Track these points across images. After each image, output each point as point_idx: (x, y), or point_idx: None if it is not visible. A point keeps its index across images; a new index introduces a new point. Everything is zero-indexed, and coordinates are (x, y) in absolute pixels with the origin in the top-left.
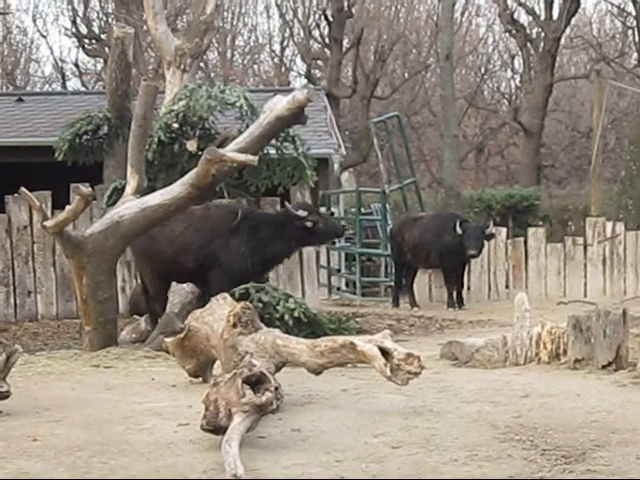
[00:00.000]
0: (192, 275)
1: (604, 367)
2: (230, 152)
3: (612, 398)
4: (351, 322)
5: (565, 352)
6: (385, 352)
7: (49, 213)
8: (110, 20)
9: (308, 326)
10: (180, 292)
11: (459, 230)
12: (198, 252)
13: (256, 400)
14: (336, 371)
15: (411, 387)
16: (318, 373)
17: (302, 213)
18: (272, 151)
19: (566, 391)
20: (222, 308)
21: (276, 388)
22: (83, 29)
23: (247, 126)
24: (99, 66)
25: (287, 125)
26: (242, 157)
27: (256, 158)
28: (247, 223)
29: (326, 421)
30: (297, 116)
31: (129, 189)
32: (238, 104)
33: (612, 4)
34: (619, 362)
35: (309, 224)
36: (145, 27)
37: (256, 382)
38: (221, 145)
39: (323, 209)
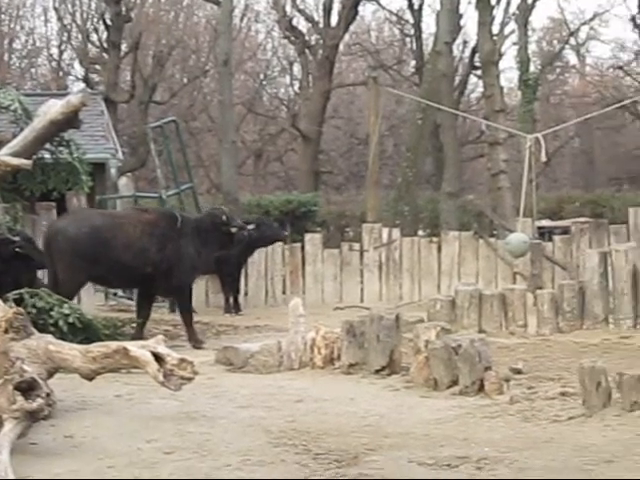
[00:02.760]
0: (144, 280)
1: (377, 371)
2: (3, 156)
3: (385, 402)
4: (127, 328)
5: (339, 357)
6: (158, 357)
7: None
8: None
9: (83, 332)
10: None
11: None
12: (155, 257)
13: (27, 406)
14: (110, 377)
15: (185, 392)
16: (91, 379)
17: (225, 219)
18: (47, 155)
19: (340, 396)
20: None
21: (48, 394)
22: None
23: (21, 130)
24: None
25: (61, 129)
26: (16, 161)
27: (30, 162)
28: (188, 227)
29: (99, 427)
30: (71, 120)
31: None
32: (12, 108)
33: (390, 12)
34: (392, 366)
35: (234, 230)
36: None
37: (27, 388)
38: None
39: None
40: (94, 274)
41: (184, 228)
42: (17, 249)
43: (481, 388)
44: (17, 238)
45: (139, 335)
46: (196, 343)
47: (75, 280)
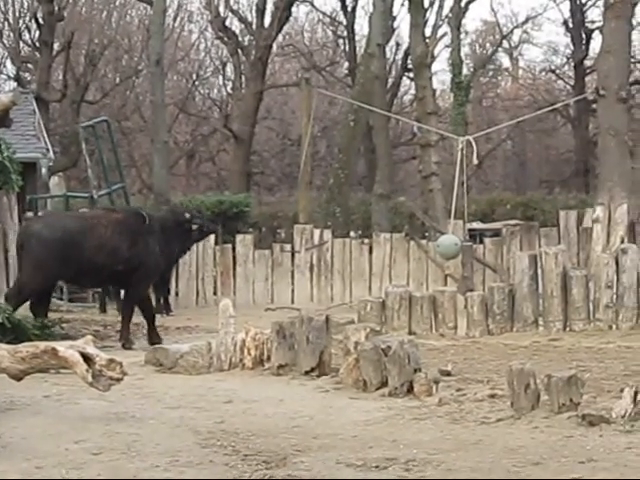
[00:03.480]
0: (116, 278)
1: (307, 373)
2: None
3: (314, 403)
4: (56, 328)
5: (269, 358)
6: (87, 358)
7: None
8: None
9: (12, 332)
10: None
11: None
12: (126, 255)
13: None
14: (39, 377)
15: (114, 393)
16: (20, 379)
17: (188, 217)
18: None
19: (269, 397)
20: None
21: None
22: None
23: None
24: None
25: None
26: None
27: None
28: (154, 225)
29: (27, 427)
30: (2, 119)
31: None
32: None
33: (324, 14)
34: (322, 368)
35: (195, 227)
36: None
37: None
38: None
39: (30, 214)
40: (64, 275)
41: (151, 226)
42: None
43: (410, 390)
44: None
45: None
46: (127, 343)
47: (36, 280)
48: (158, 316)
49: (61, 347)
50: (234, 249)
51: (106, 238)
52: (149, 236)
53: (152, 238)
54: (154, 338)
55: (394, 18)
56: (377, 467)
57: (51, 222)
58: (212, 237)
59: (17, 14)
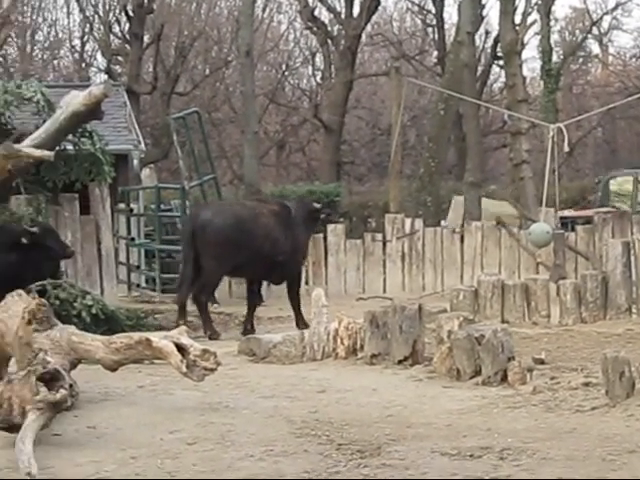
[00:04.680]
0: (273, 268)
1: (400, 362)
2: (26, 148)
3: (408, 393)
4: (149, 319)
5: (362, 347)
6: (181, 348)
7: None
8: None
9: (106, 323)
10: None
11: None
12: (284, 245)
13: (50, 397)
14: (133, 367)
15: (207, 383)
16: (114, 370)
17: (319, 206)
18: (69, 147)
19: (363, 386)
20: (17, 305)
21: (71, 385)
22: None
23: (44, 121)
24: None
25: (84, 120)
26: (38, 153)
27: (52, 154)
28: (298, 216)
29: (122, 418)
30: (93, 111)
31: None
32: (35, 99)
33: (412, 2)
34: (415, 357)
35: (323, 216)
36: None
37: (50, 379)
38: (17, 141)
39: (122, 205)
40: (236, 264)
41: (295, 217)
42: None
43: (504, 378)
44: (35, 229)
45: (250, 320)
46: (304, 326)
47: (220, 270)
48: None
49: (155, 338)
50: (325, 239)
51: (270, 228)
52: (296, 227)
53: (299, 229)
54: (249, 329)
55: (483, 6)
56: (471, 456)
57: (220, 210)
58: None
59: (107, 7)
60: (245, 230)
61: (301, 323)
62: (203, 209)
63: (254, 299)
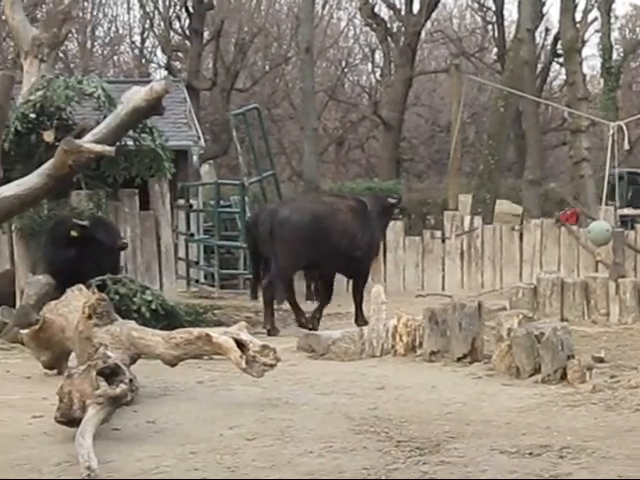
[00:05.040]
0: (349, 263)
1: (459, 359)
2: (87, 143)
3: (467, 390)
4: (208, 314)
5: (421, 344)
6: (241, 344)
7: None
8: None
9: (165, 318)
10: (36, 284)
11: None
12: (361, 240)
13: (110, 392)
14: (192, 363)
15: (267, 379)
16: (174, 365)
17: (394, 201)
18: (130, 142)
19: (422, 383)
20: (77, 300)
21: (131, 380)
22: None
23: (105, 117)
24: None
25: (144, 116)
26: (99, 148)
27: (113, 149)
28: (373, 212)
29: (181, 413)
30: (154, 107)
31: None
32: (96, 95)
33: None
34: (474, 354)
35: (397, 211)
36: (3, 16)
37: (110, 374)
38: (78, 136)
39: (182, 201)
40: (313, 260)
41: (371, 212)
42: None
43: (563, 376)
44: (85, 222)
45: (318, 316)
46: (363, 323)
47: (294, 266)
48: (309, 303)
49: (215, 333)
50: (384, 236)
51: (347, 224)
52: (372, 222)
53: (373, 225)
54: (361, 321)
55: (543, 3)
56: (531, 454)
57: (298, 207)
58: None
59: (167, 3)
60: (322, 227)
61: (360, 320)
62: (281, 206)
63: (328, 295)
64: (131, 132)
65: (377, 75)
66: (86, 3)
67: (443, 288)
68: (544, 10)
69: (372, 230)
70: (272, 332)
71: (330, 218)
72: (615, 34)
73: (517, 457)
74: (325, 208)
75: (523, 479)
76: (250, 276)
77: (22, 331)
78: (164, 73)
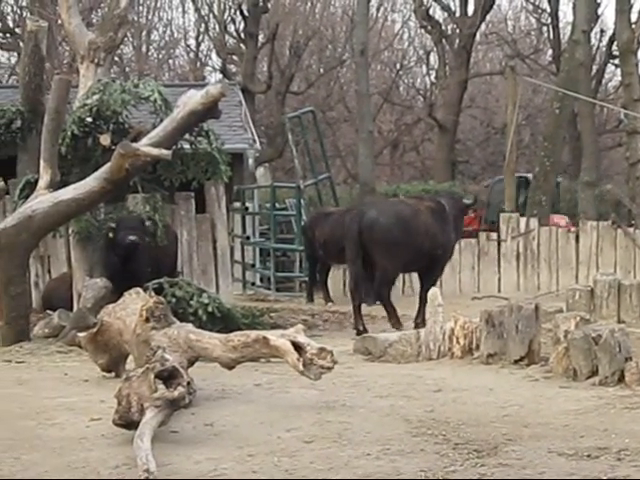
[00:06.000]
0: (430, 263)
1: (516, 362)
2: (144, 146)
3: (524, 392)
4: (265, 317)
5: (478, 347)
6: (298, 347)
7: None
8: (24, 14)
9: (221, 321)
10: (93, 287)
11: None
12: (441, 241)
13: (168, 395)
14: (249, 366)
15: (324, 382)
16: (231, 368)
17: (469, 202)
18: (186, 146)
19: (479, 385)
20: (135, 303)
21: (188, 383)
22: None
23: (161, 120)
24: (13, 60)
25: (201, 119)
26: (156, 151)
27: (170, 152)
28: (451, 212)
29: (239, 416)
30: (211, 110)
31: (42, 183)
32: (152, 98)
33: (527, 1)
34: (531, 357)
35: (470, 212)
36: (59, 21)
37: (168, 377)
38: (135, 139)
39: (237, 204)
40: (406, 260)
41: (449, 214)
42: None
43: (621, 379)
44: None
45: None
46: (422, 324)
47: (395, 266)
48: (364, 305)
49: (272, 336)
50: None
51: (429, 224)
52: (449, 223)
53: (450, 225)
54: (421, 321)
55: (598, 4)
56: (589, 456)
57: (385, 209)
58: None
59: (222, 6)
60: (408, 228)
61: (421, 320)
62: (368, 208)
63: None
64: (187, 135)
65: (432, 77)
66: (141, 7)
67: (499, 290)
68: (599, 11)
69: (450, 231)
70: (397, 327)
71: (414, 219)
72: None
73: (575, 459)
74: (409, 209)
75: None
76: (306, 279)
77: (80, 334)
78: (219, 76)
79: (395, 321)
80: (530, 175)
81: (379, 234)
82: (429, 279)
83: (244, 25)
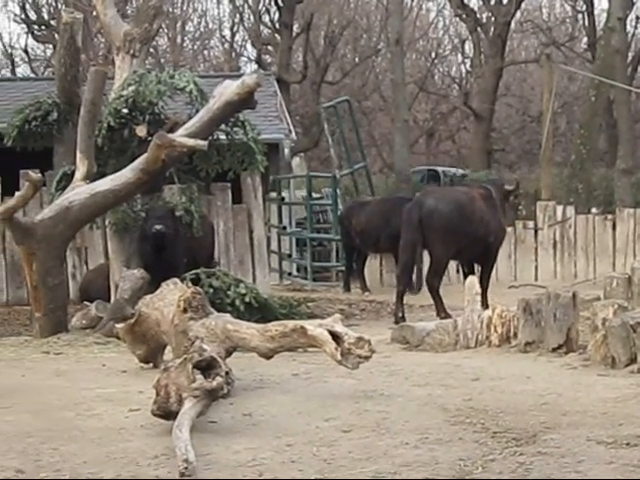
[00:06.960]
0: (484, 251)
1: (554, 350)
2: (180, 137)
3: (562, 380)
4: (302, 307)
5: (516, 335)
6: (336, 336)
7: None
8: (59, 6)
9: (259, 311)
10: (130, 278)
11: None
12: (493, 227)
13: (207, 385)
14: (287, 355)
15: (362, 371)
16: (269, 358)
17: (511, 188)
18: (222, 136)
19: (517, 374)
20: (172, 293)
21: (227, 373)
22: (32, 15)
23: (197, 111)
24: (49, 52)
25: (237, 110)
26: (192, 142)
27: (206, 143)
28: (497, 198)
29: (277, 405)
30: (246, 101)
31: (79, 175)
32: (187, 89)
33: None
34: (569, 345)
35: (512, 199)
36: (94, 12)
37: (207, 367)
38: (171, 130)
39: (274, 194)
40: (460, 248)
41: (496, 199)
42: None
43: None
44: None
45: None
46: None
47: (448, 254)
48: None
49: (310, 326)
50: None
51: (483, 211)
52: (498, 209)
53: (499, 211)
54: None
55: None
56: (628, 444)
57: (442, 196)
58: None
59: None
60: (466, 214)
61: (484, 304)
62: (427, 197)
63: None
64: (223, 126)
65: (467, 66)
66: None
67: (536, 279)
68: None
69: (500, 216)
70: (443, 317)
71: (470, 206)
72: None
73: (614, 447)
74: (465, 197)
75: (621, 469)
76: (343, 268)
77: (117, 325)
78: (254, 67)
79: (442, 310)
80: (440, 169)
81: (439, 222)
82: (487, 265)
83: (279, 15)
